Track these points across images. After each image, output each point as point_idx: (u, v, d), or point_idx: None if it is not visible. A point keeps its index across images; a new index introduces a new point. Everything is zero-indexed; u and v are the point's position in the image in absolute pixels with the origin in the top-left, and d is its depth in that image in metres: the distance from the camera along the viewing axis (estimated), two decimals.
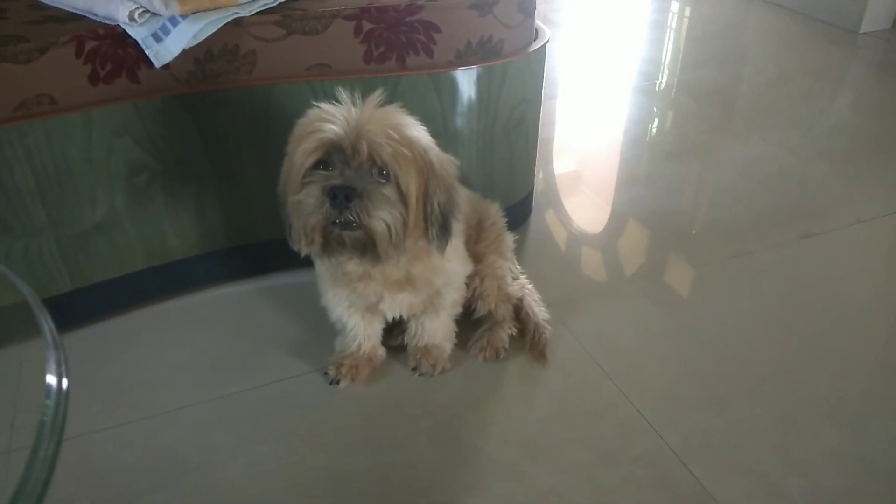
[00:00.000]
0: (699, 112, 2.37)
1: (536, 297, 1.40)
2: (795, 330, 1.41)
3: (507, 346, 1.31)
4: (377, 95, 0.98)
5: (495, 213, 1.36)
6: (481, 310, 1.31)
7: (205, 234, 1.41)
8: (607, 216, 1.80)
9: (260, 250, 1.47)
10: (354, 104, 0.96)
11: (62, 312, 1.33)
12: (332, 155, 0.94)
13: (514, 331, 1.33)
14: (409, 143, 0.95)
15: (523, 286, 1.39)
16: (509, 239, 1.37)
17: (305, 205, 0.95)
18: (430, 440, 1.15)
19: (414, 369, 1.27)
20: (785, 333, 1.40)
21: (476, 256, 1.29)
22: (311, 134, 0.94)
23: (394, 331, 1.32)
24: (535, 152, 1.68)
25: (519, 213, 1.70)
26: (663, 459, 1.12)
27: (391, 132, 0.93)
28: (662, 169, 2.02)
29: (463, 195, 1.30)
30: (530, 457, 1.12)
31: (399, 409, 1.21)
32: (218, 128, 1.30)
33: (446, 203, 1.01)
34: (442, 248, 1.04)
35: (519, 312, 1.36)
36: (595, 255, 1.64)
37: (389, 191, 0.95)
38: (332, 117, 0.94)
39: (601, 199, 1.88)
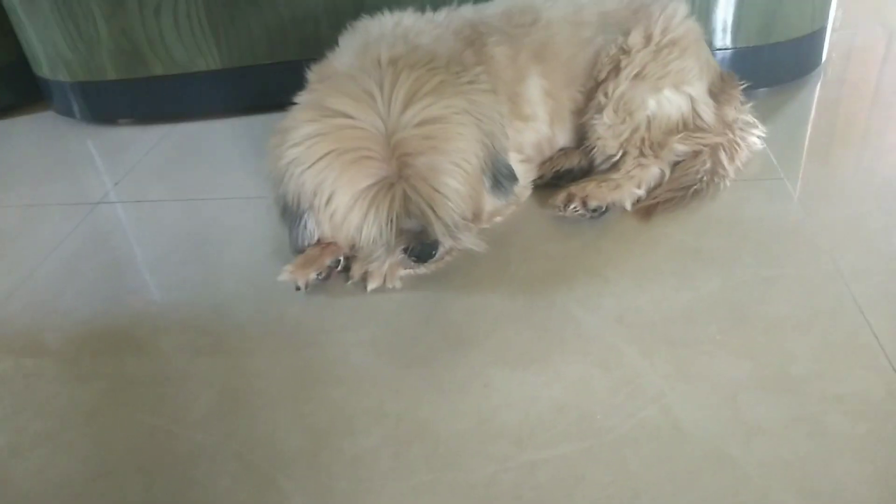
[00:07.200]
0: None
1: (738, 163, 0.94)
2: None
3: (592, 201, 0.88)
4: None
5: (672, 17, 0.92)
6: (598, 160, 0.94)
7: None
8: None
9: None
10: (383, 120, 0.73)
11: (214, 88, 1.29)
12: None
13: (640, 193, 0.91)
14: (455, 165, 0.75)
15: (716, 144, 0.93)
16: (707, 65, 0.95)
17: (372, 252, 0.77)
18: (515, 290, 0.81)
19: None
20: None
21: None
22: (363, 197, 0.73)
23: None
24: None
25: (797, 57, 1.17)
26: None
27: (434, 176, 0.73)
28: None
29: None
30: (644, 347, 0.71)
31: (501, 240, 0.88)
32: None
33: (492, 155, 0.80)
34: (502, 194, 0.84)
35: (689, 165, 0.93)
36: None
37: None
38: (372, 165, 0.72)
39: None
